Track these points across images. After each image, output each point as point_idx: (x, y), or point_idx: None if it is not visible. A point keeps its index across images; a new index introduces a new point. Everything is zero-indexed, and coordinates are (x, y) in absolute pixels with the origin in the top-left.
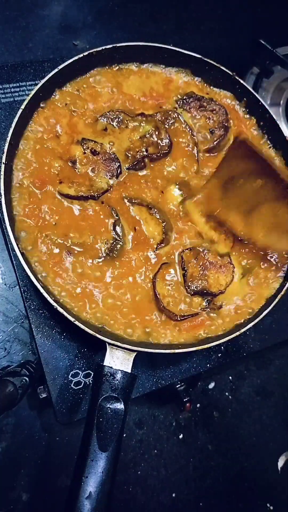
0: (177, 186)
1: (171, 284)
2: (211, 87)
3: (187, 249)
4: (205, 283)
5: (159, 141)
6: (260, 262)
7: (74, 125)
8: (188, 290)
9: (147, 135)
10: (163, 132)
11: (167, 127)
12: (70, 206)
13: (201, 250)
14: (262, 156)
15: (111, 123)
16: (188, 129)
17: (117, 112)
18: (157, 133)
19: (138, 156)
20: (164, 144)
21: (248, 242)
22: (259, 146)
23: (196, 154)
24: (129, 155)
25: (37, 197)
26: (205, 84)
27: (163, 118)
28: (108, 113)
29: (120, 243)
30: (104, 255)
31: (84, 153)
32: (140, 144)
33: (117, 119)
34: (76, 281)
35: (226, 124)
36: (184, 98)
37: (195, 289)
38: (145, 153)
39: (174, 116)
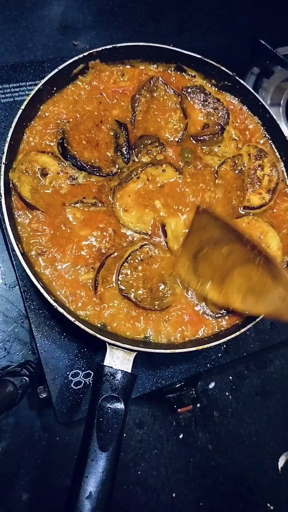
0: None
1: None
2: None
3: None
4: None
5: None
6: None
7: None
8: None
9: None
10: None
11: (154, 95)
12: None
13: None
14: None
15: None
16: (171, 90)
17: None
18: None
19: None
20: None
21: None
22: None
23: (182, 110)
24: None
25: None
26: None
27: (149, 89)
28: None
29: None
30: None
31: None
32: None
33: None
34: (76, 285)
35: (223, 126)
36: (192, 87)
37: None
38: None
39: (155, 82)
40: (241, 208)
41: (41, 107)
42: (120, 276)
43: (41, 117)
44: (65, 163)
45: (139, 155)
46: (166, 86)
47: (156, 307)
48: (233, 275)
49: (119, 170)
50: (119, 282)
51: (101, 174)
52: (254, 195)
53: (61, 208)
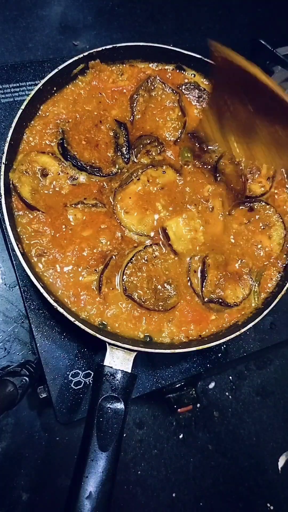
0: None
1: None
2: None
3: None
4: (221, 293)
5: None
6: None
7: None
8: (203, 297)
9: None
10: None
11: (152, 95)
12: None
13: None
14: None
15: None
16: (169, 89)
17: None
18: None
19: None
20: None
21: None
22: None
23: (180, 108)
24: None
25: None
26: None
27: (146, 89)
28: None
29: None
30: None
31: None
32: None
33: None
34: (77, 285)
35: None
36: (186, 84)
37: (212, 297)
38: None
39: (152, 82)
40: (244, 199)
41: (41, 107)
42: (124, 276)
43: (41, 117)
44: (65, 164)
45: (139, 155)
46: (163, 85)
47: (160, 307)
48: (257, 130)
49: (119, 171)
50: (123, 283)
51: (102, 175)
52: (254, 185)
53: (62, 209)
